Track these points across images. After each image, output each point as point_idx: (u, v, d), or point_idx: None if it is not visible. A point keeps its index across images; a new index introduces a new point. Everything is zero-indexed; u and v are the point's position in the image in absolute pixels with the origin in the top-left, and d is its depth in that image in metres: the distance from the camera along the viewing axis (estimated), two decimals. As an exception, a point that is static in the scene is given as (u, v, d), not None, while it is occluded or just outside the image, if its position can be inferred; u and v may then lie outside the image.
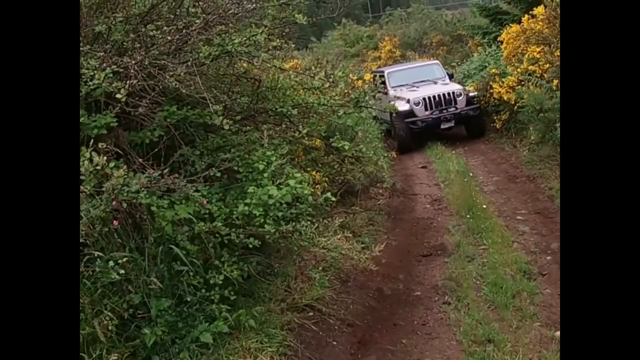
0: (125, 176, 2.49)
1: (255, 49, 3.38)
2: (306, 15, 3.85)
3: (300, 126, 4.14)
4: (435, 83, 11.22)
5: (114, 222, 2.61)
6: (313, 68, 4.08)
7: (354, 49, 21.14)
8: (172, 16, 3.29)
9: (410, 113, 10.35)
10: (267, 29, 3.42)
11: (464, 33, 17.16)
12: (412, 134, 10.45)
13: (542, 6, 8.60)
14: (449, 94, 10.48)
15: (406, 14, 23.73)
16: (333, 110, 4.48)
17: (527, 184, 7.44)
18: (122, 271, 2.55)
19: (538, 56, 8.51)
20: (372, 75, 12.78)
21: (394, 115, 10.04)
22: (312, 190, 3.56)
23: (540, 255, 4.97)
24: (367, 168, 5.51)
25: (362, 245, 4.96)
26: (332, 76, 4.08)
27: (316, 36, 24.15)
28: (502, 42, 10.01)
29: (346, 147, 4.39)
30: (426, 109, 10.38)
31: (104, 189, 2.54)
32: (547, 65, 8.12)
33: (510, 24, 9.99)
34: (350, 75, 10.13)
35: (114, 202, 2.52)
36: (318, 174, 5.21)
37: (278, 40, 3.94)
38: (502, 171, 8.34)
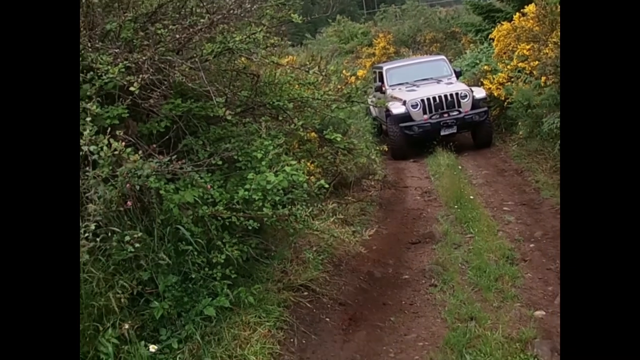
0: (139, 161, 2.74)
1: (255, 46, 3.63)
2: (301, 13, 4.10)
3: (296, 119, 4.38)
4: (439, 82, 10.07)
5: (127, 202, 2.86)
6: (307, 63, 4.33)
7: (348, 46, 21.26)
8: (177, 15, 3.53)
9: (407, 116, 9.29)
10: (265, 27, 3.67)
11: (458, 30, 17.41)
12: (407, 141, 9.42)
13: (533, 4, 8.74)
14: (451, 95, 9.31)
15: (400, 11, 23.96)
16: (327, 105, 4.74)
17: (514, 176, 7.67)
18: (137, 245, 2.79)
19: (527, 53, 8.63)
20: (372, 71, 12.38)
21: (388, 117, 9.48)
22: (307, 179, 3.80)
23: (524, 242, 5.17)
24: (359, 160, 5.76)
25: (353, 229, 5.20)
26: (325, 70, 4.33)
27: (311, 33, 24.27)
28: (493, 40, 10.09)
29: (338, 139, 4.66)
30: (424, 112, 9.28)
31: (117, 173, 2.79)
32: (536, 62, 8.30)
33: (503, 22, 10.03)
34: (344, 71, 10.28)
35: (128, 185, 2.78)
36: (312, 164, 5.45)
37: (275, 37, 4.19)
38: (491, 165, 8.56)
